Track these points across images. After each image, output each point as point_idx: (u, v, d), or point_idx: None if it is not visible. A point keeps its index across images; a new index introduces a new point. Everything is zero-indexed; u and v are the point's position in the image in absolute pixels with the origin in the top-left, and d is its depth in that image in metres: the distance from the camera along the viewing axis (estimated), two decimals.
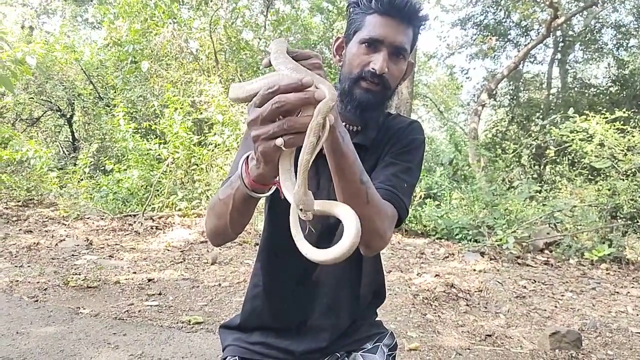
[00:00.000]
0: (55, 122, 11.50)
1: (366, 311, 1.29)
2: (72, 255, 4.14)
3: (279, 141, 0.64)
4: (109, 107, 9.05)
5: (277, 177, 0.72)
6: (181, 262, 4.17)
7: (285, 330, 1.20)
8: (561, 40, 13.08)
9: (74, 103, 10.36)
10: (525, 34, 13.33)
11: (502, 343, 2.91)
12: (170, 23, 8.21)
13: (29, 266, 3.68)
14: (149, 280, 3.57)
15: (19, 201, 6.70)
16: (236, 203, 0.86)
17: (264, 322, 1.21)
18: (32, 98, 9.76)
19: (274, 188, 0.80)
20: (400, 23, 1.04)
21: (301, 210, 0.65)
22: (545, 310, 3.56)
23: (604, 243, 5.12)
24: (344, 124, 1.14)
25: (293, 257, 0.87)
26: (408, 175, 1.11)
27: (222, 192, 0.92)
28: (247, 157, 0.80)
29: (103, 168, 7.70)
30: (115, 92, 9.03)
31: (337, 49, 1.16)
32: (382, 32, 1.03)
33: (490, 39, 12.76)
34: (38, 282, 3.28)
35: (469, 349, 2.79)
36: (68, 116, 10.60)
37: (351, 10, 1.11)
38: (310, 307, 1.17)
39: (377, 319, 1.33)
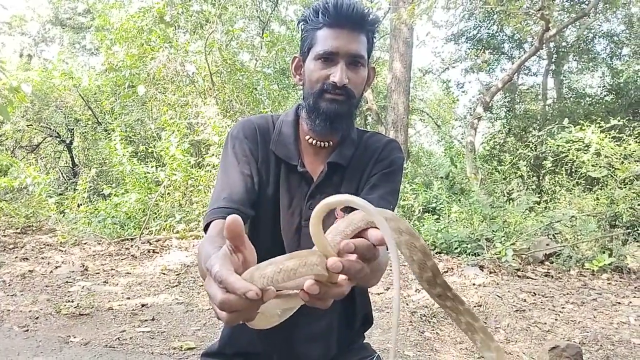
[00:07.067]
0: (55, 148, 11.54)
1: (355, 337, 1.26)
2: (67, 282, 4.10)
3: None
4: (107, 131, 9.10)
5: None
6: (176, 285, 4.13)
7: (267, 357, 1.17)
8: (555, 51, 13.17)
9: (73, 129, 10.43)
10: (519, 46, 13.44)
11: None
12: (165, 47, 8.30)
13: (22, 294, 3.64)
14: (143, 305, 3.53)
15: (17, 228, 6.67)
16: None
17: (242, 347, 1.18)
18: (30, 125, 9.82)
19: None
20: (351, 31, 1.05)
21: None
22: (545, 323, 3.50)
23: (604, 252, 5.06)
24: (314, 140, 1.14)
25: None
26: (394, 197, 1.12)
27: (203, 255, 0.83)
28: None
29: (102, 192, 7.69)
30: (113, 116, 9.09)
31: (296, 69, 1.17)
32: (334, 44, 1.04)
33: (484, 52, 12.86)
34: (30, 311, 3.24)
35: None
36: (67, 142, 10.65)
37: (301, 27, 1.12)
38: (295, 334, 1.12)
39: (370, 338, 1.31)
